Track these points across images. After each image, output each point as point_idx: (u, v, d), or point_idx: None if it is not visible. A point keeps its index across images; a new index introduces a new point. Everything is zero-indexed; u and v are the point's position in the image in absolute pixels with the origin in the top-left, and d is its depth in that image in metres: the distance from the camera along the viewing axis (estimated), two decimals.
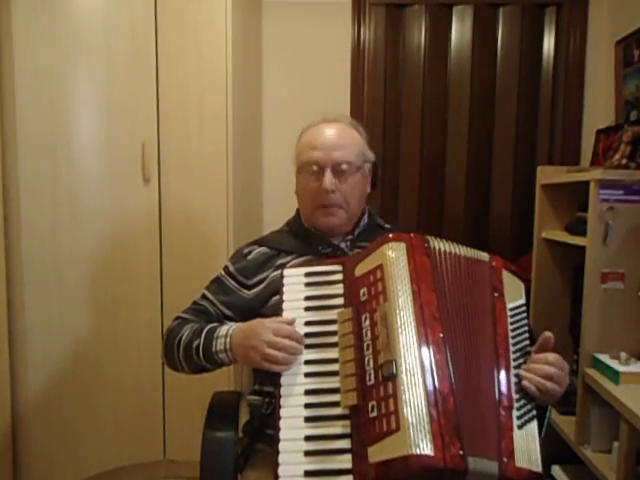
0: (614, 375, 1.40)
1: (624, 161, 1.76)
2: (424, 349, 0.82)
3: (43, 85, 1.68)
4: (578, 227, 1.71)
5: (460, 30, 2.33)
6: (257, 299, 1.15)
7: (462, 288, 0.92)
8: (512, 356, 0.90)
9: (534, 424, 0.87)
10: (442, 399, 0.78)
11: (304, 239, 1.20)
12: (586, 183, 1.53)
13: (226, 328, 1.05)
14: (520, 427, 0.84)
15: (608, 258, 1.49)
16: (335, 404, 0.85)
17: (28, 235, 1.68)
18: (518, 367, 0.90)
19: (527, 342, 0.95)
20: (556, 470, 1.74)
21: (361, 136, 1.22)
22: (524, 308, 0.98)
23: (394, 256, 0.90)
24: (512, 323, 0.94)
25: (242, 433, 1.15)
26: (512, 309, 0.95)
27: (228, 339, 1.02)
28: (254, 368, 1.10)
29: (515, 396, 0.87)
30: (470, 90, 2.33)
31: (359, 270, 0.94)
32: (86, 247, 1.81)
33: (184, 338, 1.10)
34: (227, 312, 1.17)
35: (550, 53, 2.33)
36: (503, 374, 0.88)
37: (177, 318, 1.19)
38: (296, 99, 2.38)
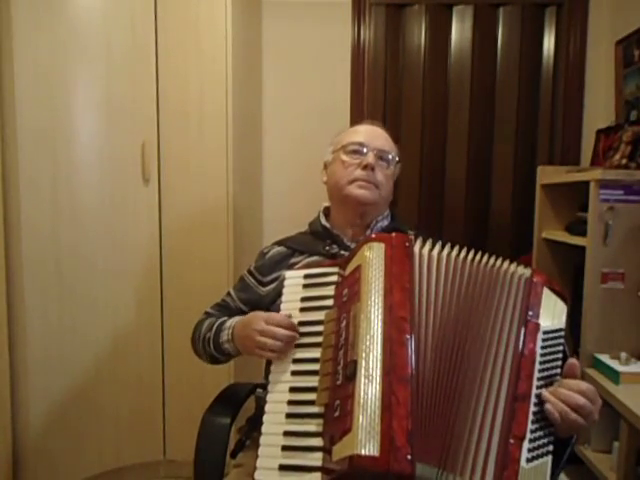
0: (614, 375, 1.41)
1: (624, 161, 1.76)
2: (386, 350, 0.79)
3: (43, 84, 1.68)
4: (578, 227, 1.71)
5: (460, 30, 2.33)
6: (269, 297, 1.20)
7: (463, 295, 0.88)
8: (536, 383, 0.82)
9: (547, 459, 0.80)
10: (396, 402, 0.75)
11: (317, 237, 1.24)
12: (586, 183, 1.53)
13: (231, 321, 1.13)
14: (530, 460, 0.77)
15: (608, 258, 1.49)
16: (312, 402, 0.86)
17: (28, 235, 1.68)
18: (540, 396, 0.83)
19: (558, 370, 0.87)
20: None
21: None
22: (562, 334, 0.90)
23: (371, 256, 0.90)
24: (544, 347, 0.86)
25: (246, 422, 1.19)
26: (547, 332, 0.88)
27: (230, 330, 1.11)
28: (265, 362, 1.13)
29: (531, 426, 0.79)
30: (470, 90, 2.33)
31: (347, 271, 0.94)
32: (86, 247, 1.80)
33: (203, 331, 1.20)
34: (244, 308, 1.24)
35: (550, 53, 2.32)
36: (521, 400, 0.80)
37: (205, 313, 1.28)
38: (296, 99, 2.38)
